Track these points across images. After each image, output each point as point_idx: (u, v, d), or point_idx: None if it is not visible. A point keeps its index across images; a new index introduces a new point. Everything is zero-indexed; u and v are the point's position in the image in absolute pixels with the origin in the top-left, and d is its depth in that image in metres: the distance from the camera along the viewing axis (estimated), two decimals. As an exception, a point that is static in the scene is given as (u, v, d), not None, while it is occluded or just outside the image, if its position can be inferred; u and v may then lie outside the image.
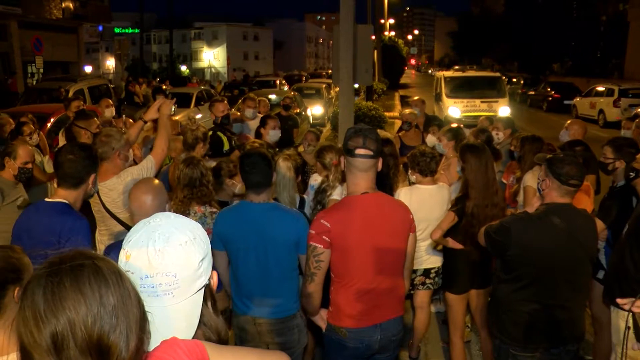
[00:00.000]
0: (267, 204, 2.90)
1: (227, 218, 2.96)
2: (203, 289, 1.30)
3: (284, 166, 3.69)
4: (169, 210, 2.54)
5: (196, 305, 1.28)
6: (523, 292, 2.74)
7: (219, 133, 5.55)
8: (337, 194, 4.07)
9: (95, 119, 5.65)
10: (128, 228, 3.47)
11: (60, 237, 2.61)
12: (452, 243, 3.69)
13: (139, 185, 2.55)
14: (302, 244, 2.77)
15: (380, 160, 2.61)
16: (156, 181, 2.61)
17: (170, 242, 1.25)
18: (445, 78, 17.36)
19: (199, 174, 3.49)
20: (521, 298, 2.75)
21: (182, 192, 3.54)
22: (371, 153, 2.51)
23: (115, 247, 2.59)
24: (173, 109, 4.03)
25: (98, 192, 3.44)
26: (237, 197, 4.06)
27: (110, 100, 7.24)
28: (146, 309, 1.09)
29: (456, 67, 22.07)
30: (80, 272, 0.98)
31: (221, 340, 1.33)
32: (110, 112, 7.12)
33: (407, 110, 6.90)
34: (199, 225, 1.34)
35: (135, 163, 3.84)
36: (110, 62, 51.93)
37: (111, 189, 3.47)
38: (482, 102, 15.96)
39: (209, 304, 1.33)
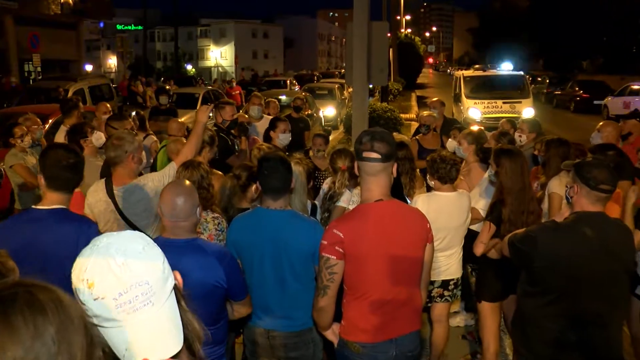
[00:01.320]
0: (285, 211, 2.92)
1: (242, 225, 2.98)
2: (173, 290, 1.33)
3: (295, 171, 3.70)
4: (199, 214, 2.64)
5: (174, 307, 1.31)
6: (551, 307, 2.71)
7: (222, 135, 5.60)
8: (344, 201, 4.09)
9: (130, 119, 5.80)
10: None
11: (79, 247, 2.61)
12: (498, 245, 3.69)
13: (171, 186, 2.64)
14: (316, 253, 2.78)
15: (395, 166, 2.61)
16: (188, 182, 2.70)
17: (130, 253, 1.27)
18: (464, 77, 17.31)
19: (198, 177, 3.54)
20: (549, 313, 2.72)
21: None
22: (379, 156, 2.52)
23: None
24: (211, 115, 4.11)
25: (113, 197, 3.50)
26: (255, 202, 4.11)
27: (108, 106, 7.20)
28: (131, 327, 1.09)
29: (476, 65, 22.01)
30: (11, 303, 0.96)
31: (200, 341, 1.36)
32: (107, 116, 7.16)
33: (426, 113, 6.92)
34: (143, 234, 1.37)
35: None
36: (112, 61, 52.50)
37: (131, 192, 3.52)
38: (504, 102, 15.85)
39: (183, 304, 1.35)
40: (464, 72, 19.27)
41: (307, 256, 2.84)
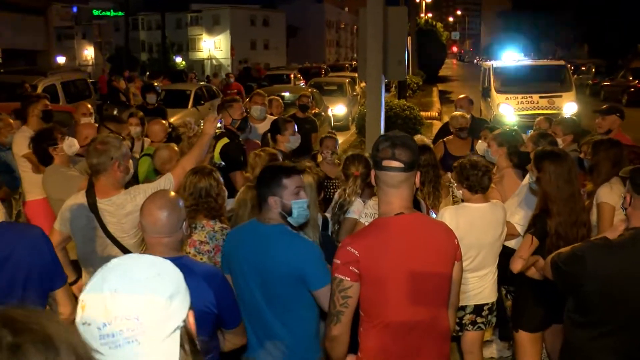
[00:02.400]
0: (277, 227, 2.96)
1: (232, 237, 3.13)
2: (177, 331, 1.31)
3: (304, 182, 3.73)
4: (187, 230, 2.68)
5: (171, 353, 1.29)
6: (604, 341, 2.69)
7: (238, 141, 5.65)
8: (355, 212, 4.11)
9: (128, 124, 5.75)
10: None
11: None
12: (539, 263, 3.68)
13: (153, 198, 2.66)
14: (313, 279, 2.83)
15: (418, 175, 2.62)
16: (173, 194, 2.73)
17: (127, 282, 1.28)
18: (494, 69, 17.22)
19: (206, 185, 3.63)
20: (602, 347, 2.70)
21: (186, 201, 3.62)
22: (402, 165, 2.52)
23: None
24: (220, 125, 4.18)
25: (96, 211, 3.52)
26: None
27: (89, 106, 7.20)
28: None
29: (508, 54, 21.85)
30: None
31: None
32: (87, 122, 7.18)
33: (459, 113, 6.79)
34: (168, 262, 1.37)
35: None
36: (88, 52, 52.62)
37: (118, 206, 3.54)
38: (541, 97, 15.75)
39: (187, 348, 1.34)
40: (493, 62, 19.17)
41: (290, 281, 2.87)
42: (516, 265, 3.64)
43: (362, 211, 4.12)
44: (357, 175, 4.07)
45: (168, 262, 1.38)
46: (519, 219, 4.21)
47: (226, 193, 3.76)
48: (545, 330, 3.89)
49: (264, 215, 3.01)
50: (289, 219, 3.00)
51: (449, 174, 4.32)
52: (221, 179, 3.73)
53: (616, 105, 6.48)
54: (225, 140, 5.45)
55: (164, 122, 6.27)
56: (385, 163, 2.54)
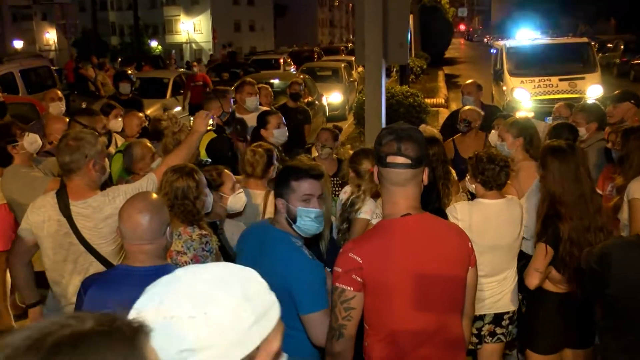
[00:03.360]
0: (281, 233, 3.02)
1: (243, 235, 3.37)
2: None
3: None
4: (170, 236, 2.70)
5: None
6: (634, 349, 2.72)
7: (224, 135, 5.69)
8: (367, 212, 4.13)
9: (102, 116, 5.66)
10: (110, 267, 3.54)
11: None
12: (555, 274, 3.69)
13: (133, 200, 2.69)
14: (301, 302, 2.82)
15: (426, 171, 2.63)
16: (154, 196, 2.76)
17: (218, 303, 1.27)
18: (507, 49, 17.16)
19: (184, 185, 3.60)
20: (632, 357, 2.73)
21: None
22: (409, 162, 2.54)
23: (97, 282, 2.69)
24: (212, 122, 4.20)
25: (69, 215, 3.52)
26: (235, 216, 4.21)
27: (58, 92, 7.22)
28: None
29: (523, 32, 21.77)
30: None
31: None
32: (57, 108, 7.21)
33: (469, 107, 6.66)
34: (254, 275, 1.37)
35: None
36: (50, 35, 52.08)
37: (94, 209, 3.54)
38: (561, 80, 15.67)
39: None
40: (506, 41, 19.14)
41: (279, 292, 2.85)
42: (532, 280, 3.61)
43: (374, 211, 4.14)
44: (372, 172, 4.09)
45: (253, 272, 1.38)
46: (525, 219, 4.14)
47: (209, 197, 3.73)
48: (558, 353, 3.86)
49: (275, 217, 3.10)
50: (294, 226, 3.02)
51: (467, 179, 4.29)
52: (204, 180, 3.72)
53: (630, 91, 6.39)
54: (210, 134, 5.45)
55: (140, 114, 6.26)
56: (390, 159, 2.55)
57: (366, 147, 4.54)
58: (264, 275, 2.88)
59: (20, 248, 3.73)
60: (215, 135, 5.49)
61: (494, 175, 3.93)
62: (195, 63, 27.98)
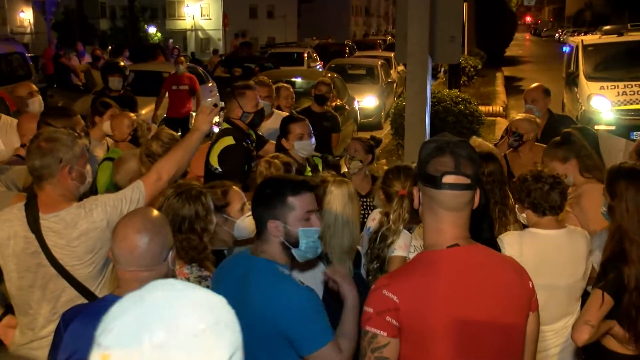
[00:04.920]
0: (265, 262, 3.01)
1: (219, 269, 3.28)
2: None
3: (339, 195, 3.75)
4: (172, 262, 2.72)
5: None
6: None
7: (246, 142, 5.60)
8: (401, 247, 4.12)
9: (79, 117, 5.67)
10: (89, 295, 3.56)
11: None
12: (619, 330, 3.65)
13: (130, 218, 2.70)
14: (302, 340, 2.83)
15: (478, 192, 2.63)
16: (156, 213, 2.77)
17: (177, 332, 1.28)
18: (585, 46, 16.98)
19: (191, 213, 3.57)
20: None
21: None
22: (468, 181, 2.53)
23: (81, 316, 2.71)
24: (217, 120, 4.15)
25: (38, 231, 3.52)
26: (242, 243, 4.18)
27: (32, 85, 7.25)
28: None
29: (606, 27, 21.55)
30: None
31: None
32: (35, 103, 7.27)
33: (520, 115, 6.61)
34: (222, 301, 1.38)
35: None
36: (25, 15, 52.50)
37: (68, 224, 3.54)
38: None
39: None
40: (583, 37, 18.88)
41: (265, 337, 2.90)
42: (581, 335, 3.46)
43: (410, 245, 4.11)
44: (403, 195, 4.05)
45: (225, 303, 1.40)
46: (597, 256, 4.06)
47: (214, 224, 3.72)
48: None
49: (258, 245, 3.06)
50: (294, 251, 3.03)
51: (515, 207, 4.25)
52: (211, 205, 3.70)
53: None
54: (228, 139, 5.45)
55: (131, 114, 6.28)
56: (448, 179, 2.52)
57: (401, 164, 4.49)
58: (248, 316, 2.88)
59: None
60: (233, 141, 5.46)
61: (542, 196, 3.90)
62: (214, 57, 27.73)
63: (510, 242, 3.91)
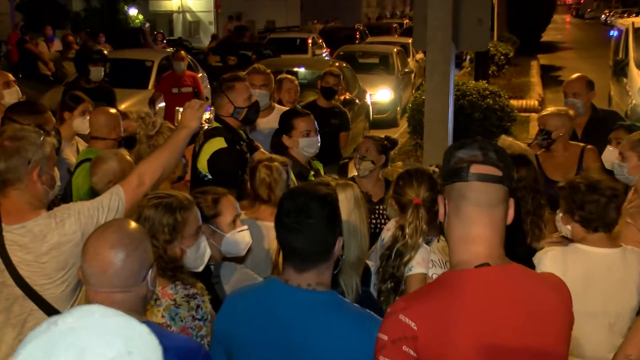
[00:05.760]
0: (315, 294, 2.94)
1: (236, 308, 3.07)
2: None
3: (343, 200, 3.70)
4: (153, 282, 2.70)
5: None
6: None
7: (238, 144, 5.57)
8: (420, 262, 4.09)
9: (50, 113, 5.69)
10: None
11: None
12: None
13: (103, 231, 2.68)
14: None
15: (512, 204, 2.61)
16: (133, 225, 2.75)
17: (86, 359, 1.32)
18: (636, 30, 16.92)
19: (156, 219, 3.50)
20: None
21: None
22: (499, 173, 2.51)
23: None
24: (207, 117, 4.14)
25: (1, 244, 3.50)
26: (231, 259, 4.15)
27: (8, 74, 7.28)
28: None
29: None
30: None
31: None
32: (13, 94, 7.23)
33: (549, 109, 6.56)
34: (143, 330, 1.43)
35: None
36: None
37: (36, 236, 3.52)
38: None
39: None
40: (634, 19, 18.77)
41: None
42: None
43: (429, 260, 4.08)
44: (419, 204, 4.04)
45: (145, 332, 1.44)
46: None
47: (198, 249, 3.64)
48: None
49: (309, 276, 2.93)
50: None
51: (559, 218, 4.21)
52: (194, 223, 3.63)
53: None
54: (219, 141, 5.42)
55: (112, 110, 6.28)
56: (476, 168, 2.51)
57: (412, 168, 4.43)
58: None
59: None
60: (225, 144, 5.43)
61: (598, 211, 3.88)
62: (213, 42, 27.53)
63: (554, 260, 3.89)
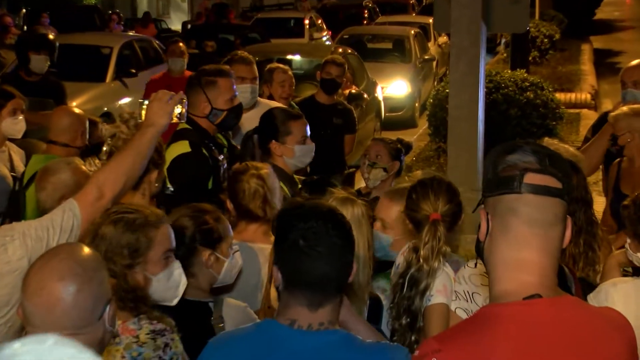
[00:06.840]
0: (326, 335, 2.95)
1: (219, 352, 3.05)
2: None
3: (349, 217, 3.77)
4: (111, 320, 2.71)
5: None
6: None
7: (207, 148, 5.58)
8: (440, 290, 4.13)
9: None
10: None
11: None
12: None
13: (48, 259, 2.67)
14: None
15: (570, 224, 2.60)
16: (86, 250, 2.74)
17: None
18: None
19: (114, 238, 3.51)
20: None
21: None
22: (559, 185, 2.50)
23: None
24: (179, 111, 4.14)
25: None
26: (217, 292, 4.16)
27: None
28: None
29: None
30: None
31: None
32: None
33: (622, 109, 6.52)
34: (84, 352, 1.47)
35: None
36: None
37: None
38: None
39: None
40: None
41: None
42: None
43: (451, 288, 4.10)
44: (436, 220, 4.04)
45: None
46: None
47: (173, 279, 3.66)
48: None
49: (318, 314, 2.93)
50: None
51: (626, 244, 4.21)
52: (165, 246, 3.64)
53: None
54: (182, 145, 5.44)
55: (78, 111, 6.30)
56: (531, 178, 2.49)
57: (427, 177, 4.47)
58: None
59: None
60: (189, 148, 5.44)
61: None
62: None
63: (623, 294, 3.87)
